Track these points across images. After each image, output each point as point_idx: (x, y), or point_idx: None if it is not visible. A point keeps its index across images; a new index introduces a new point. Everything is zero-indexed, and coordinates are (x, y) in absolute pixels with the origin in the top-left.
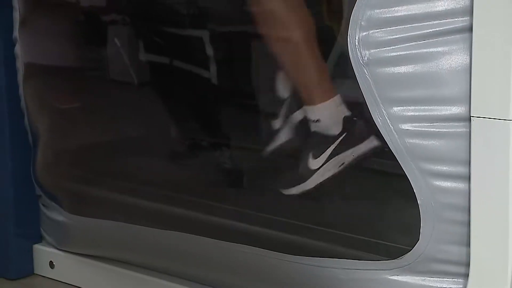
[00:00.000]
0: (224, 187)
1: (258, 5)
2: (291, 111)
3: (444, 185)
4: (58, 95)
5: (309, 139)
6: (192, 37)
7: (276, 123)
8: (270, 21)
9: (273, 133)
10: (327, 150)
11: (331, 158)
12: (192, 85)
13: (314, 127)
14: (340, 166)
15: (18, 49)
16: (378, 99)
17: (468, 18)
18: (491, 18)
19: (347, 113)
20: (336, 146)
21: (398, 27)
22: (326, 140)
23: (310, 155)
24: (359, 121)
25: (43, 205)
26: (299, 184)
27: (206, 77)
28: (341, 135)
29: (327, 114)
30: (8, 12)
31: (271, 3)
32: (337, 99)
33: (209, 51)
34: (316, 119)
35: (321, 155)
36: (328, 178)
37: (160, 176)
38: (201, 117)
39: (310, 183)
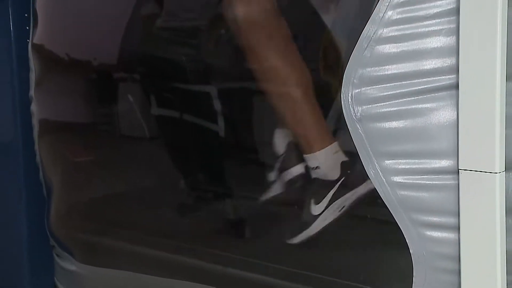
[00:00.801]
0: (230, 236)
1: (257, 63)
2: (288, 165)
3: (435, 235)
4: (71, 148)
5: (310, 186)
6: (201, 92)
7: (272, 176)
8: (269, 77)
9: (269, 184)
10: (328, 195)
11: (332, 202)
12: (200, 138)
13: (314, 174)
14: (340, 210)
15: (33, 107)
16: (371, 153)
17: (455, 76)
18: (475, 76)
19: (344, 158)
20: (335, 191)
21: (389, 84)
22: (326, 185)
23: (312, 201)
24: (356, 166)
25: (57, 255)
26: (303, 231)
27: (214, 130)
28: (340, 179)
29: (325, 160)
30: (25, 74)
31: (270, 61)
32: (334, 146)
33: (217, 105)
34: (315, 166)
35: (322, 200)
36: (330, 222)
37: (168, 227)
38: (208, 169)
39: (313, 229)
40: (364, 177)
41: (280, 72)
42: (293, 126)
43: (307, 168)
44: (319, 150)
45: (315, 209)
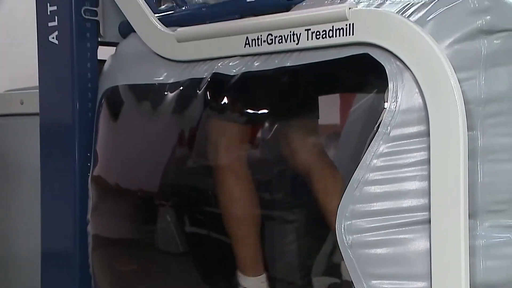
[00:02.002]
0: None
1: (221, 195)
2: None
3: None
4: (118, 260)
5: None
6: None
7: None
8: (229, 206)
9: None
10: None
11: None
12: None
13: None
14: None
15: (89, 228)
16: (360, 274)
17: (427, 213)
18: (444, 214)
19: None
20: None
21: (374, 218)
22: None
23: None
24: None
25: None
26: None
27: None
28: None
29: (252, 286)
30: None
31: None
32: (262, 277)
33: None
34: (244, 287)
35: None
36: None
37: None
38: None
39: None
40: None
41: (238, 207)
42: (236, 247)
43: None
44: (249, 276)
45: None
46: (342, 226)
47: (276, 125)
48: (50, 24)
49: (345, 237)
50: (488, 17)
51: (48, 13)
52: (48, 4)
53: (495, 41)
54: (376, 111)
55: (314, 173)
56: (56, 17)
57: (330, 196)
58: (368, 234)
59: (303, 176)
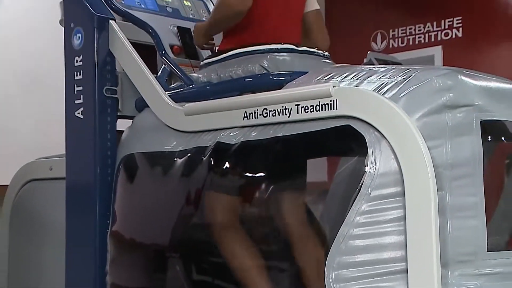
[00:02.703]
0: None
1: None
2: None
3: None
4: None
5: None
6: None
7: None
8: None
9: None
10: None
11: None
12: None
13: None
14: None
15: (108, 278)
16: None
17: (405, 264)
18: (419, 264)
19: None
20: None
21: (358, 268)
22: None
23: None
24: None
25: None
26: None
27: None
28: None
29: None
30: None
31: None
32: None
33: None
34: None
35: None
36: None
37: None
38: None
39: None
40: None
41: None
42: None
43: None
44: None
45: None
46: (330, 276)
47: (270, 189)
48: (76, 101)
49: (333, 286)
50: (451, 95)
51: (75, 92)
52: (75, 85)
53: (458, 114)
54: (358, 174)
55: (294, 241)
56: (81, 95)
57: (306, 263)
58: (354, 283)
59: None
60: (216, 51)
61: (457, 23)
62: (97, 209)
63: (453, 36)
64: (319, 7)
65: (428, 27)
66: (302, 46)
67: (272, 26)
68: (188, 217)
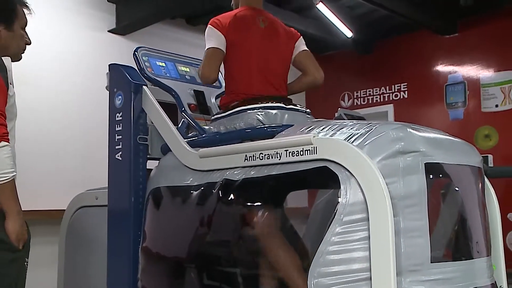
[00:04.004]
0: None
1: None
2: None
3: None
4: None
5: None
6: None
7: None
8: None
9: None
10: None
11: None
12: None
13: None
14: None
15: (139, 284)
16: None
17: (369, 273)
18: (380, 272)
19: None
20: None
21: (334, 277)
22: None
23: None
24: None
25: None
26: None
27: None
28: None
29: None
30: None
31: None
32: None
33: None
34: None
35: None
36: None
37: None
38: None
39: None
40: None
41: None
42: None
43: None
44: None
45: None
46: (312, 283)
47: (265, 214)
48: (117, 147)
49: None
50: (402, 143)
51: (116, 140)
52: (116, 134)
53: (408, 158)
54: (333, 204)
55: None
56: (121, 142)
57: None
58: None
59: None
60: (220, 106)
61: (403, 87)
62: (132, 230)
63: (401, 97)
64: (307, 49)
65: (383, 90)
66: (289, 104)
67: (257, 81)
68: (201, 236)
